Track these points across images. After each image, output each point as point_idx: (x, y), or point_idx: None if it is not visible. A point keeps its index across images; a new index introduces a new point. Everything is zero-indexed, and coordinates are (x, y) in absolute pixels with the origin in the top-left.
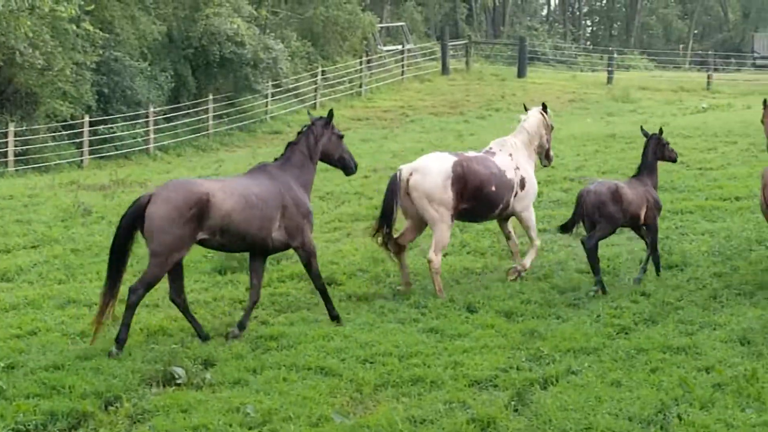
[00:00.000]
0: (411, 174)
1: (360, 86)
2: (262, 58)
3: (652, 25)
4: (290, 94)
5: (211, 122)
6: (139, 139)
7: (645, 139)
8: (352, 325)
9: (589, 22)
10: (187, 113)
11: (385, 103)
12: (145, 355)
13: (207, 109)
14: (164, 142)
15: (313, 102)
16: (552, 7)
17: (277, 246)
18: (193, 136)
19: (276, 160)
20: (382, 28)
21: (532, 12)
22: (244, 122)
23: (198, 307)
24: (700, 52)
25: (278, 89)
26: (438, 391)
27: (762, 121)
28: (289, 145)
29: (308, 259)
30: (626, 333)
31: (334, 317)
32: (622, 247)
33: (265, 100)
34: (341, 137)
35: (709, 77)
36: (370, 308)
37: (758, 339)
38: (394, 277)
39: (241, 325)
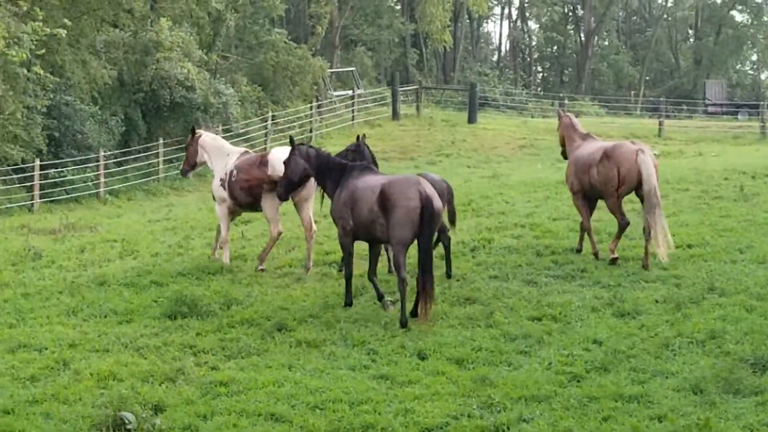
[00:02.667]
0: None
1: (310, 131)
2: (212, 103)
3: (603, 71)
4: (240, 138)
5: (161, 166)
6: (90, 183)
7: None
8: (302, 372)
9: (539, 68)
10: (138, 157)
11: (336, 148)
12: (95, 401)
13: (157, 153)
14: (115, 186)
15: (263, 147)
16: (503, 53)
17: None
18: (143, 180)
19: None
20: (332, 73)
21: (483, 58)
22: None
23: (148, 352)
24: (651, 98)
25: (228, 134)
26: None
27: (558, 131)
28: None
29: None
30: (578, 381)
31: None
32: (574, 294)
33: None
34: None
35: (660, 124)
36: (321, 354)
37: (711, 388)
38: (345, 323)
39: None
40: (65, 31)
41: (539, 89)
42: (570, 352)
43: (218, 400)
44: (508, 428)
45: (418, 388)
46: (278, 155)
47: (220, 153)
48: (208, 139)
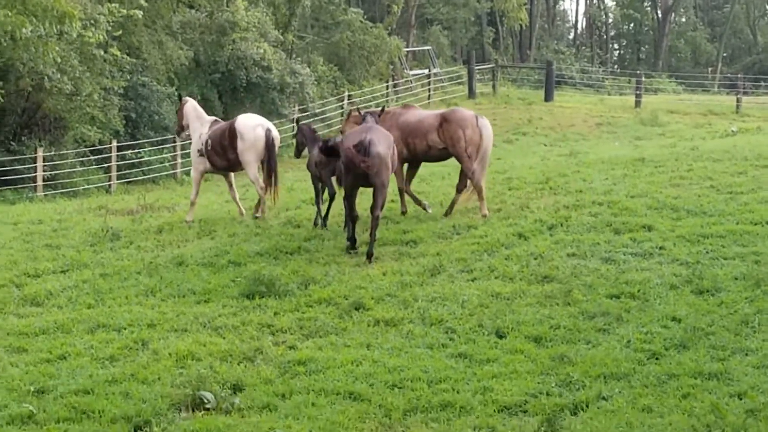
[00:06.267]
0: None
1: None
2: (288, 83)
3: (681, 48)
4: (317, 118)
5: None
6: (167, 164)
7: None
8: (380, 350)
9: (616, 46)
10: None
11: None
12: (174, 380)
13: None
14: (191, 167)
15: (339, 126)
16: (579, 31)
17: None
18: None
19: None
20: (408, 52)
21: (559, 35)
22: None
23: (226, 332)
24: (729, 75)
25: (305, 113)
26: (467, 417)
27: (341, 132)
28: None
29: None
30: (657, 358)
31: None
32: (652, 272)
33: (291, 125)
34: None
35: (738, 100)
36: (398, 333)
37: None
38: (422, 302)
39: None
40: (141, 12)
41: (616, 67)
42: (649, 329)
43: (296, 379)
44: (587, 406)
45: (496, 366)
46: (244, 121)
47: (198, 121)
48: (190, 107)
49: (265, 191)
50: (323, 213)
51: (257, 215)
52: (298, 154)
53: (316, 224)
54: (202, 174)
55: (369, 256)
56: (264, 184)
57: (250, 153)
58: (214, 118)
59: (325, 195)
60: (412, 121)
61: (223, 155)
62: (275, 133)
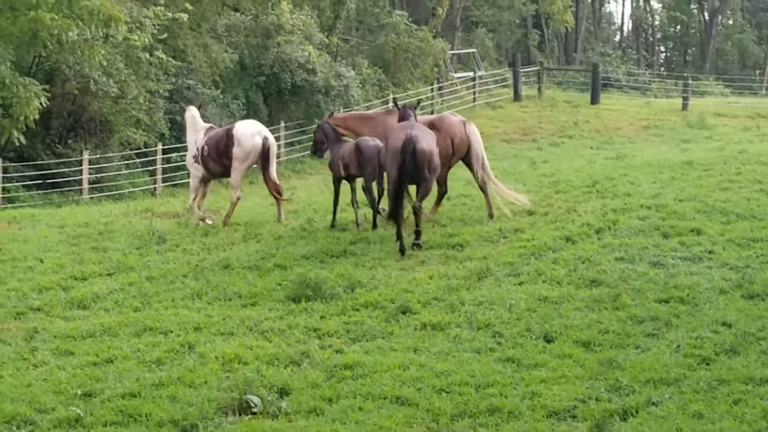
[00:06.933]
0: None
1: (431, 113)
2: (333, 86)
3: (728, 50)
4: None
5: (283, 149)
6: None
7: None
8: (428, 355)
9: (662, 48)
10: None
11: None
12: (221, 384)
13: (279, 136)
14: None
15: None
16: (625, 33)
17: None
18: None
19: None
20: (453, 54)
21: (605, 38)
22: None
23: (272, 335)
24: None
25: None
26: (516, 422)
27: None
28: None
29: None
30: (707, 363)
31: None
32: (702, 276)
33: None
34: None
35: None
36: (446, 337)
37: None
38: (469, 305)
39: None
40: (187, 16)
41: (662, 69)
42: (698, 334)
43: (343, 383)
44: (637, 411)
45: (544, 371)
46: (242, 128)
47: (193, 129)
48: (188, 115)
49: (279, 198)
50: (372, 213)
51: (210, 221)
52: (316, 152)
53: (333, 226)
54: (201, 181)
55: (418, 244)
56: (274, 192)
57: (242, 159)
58: (209, 125)
59: (361, 197)
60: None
61: (218, 161)
62: (272, 140)
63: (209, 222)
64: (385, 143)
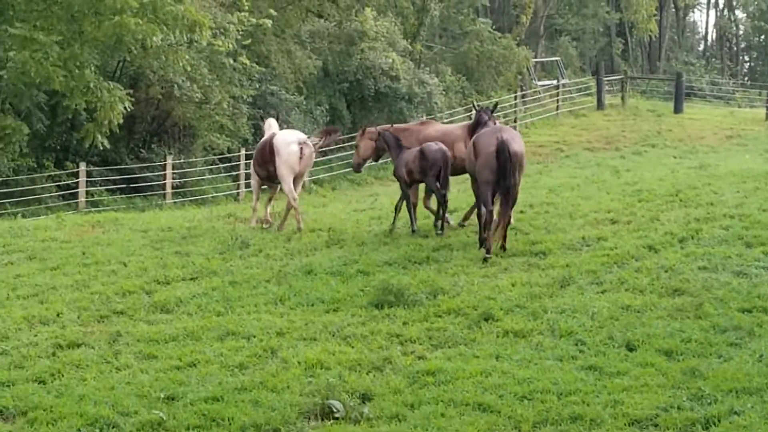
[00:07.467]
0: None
1: (515, 121)
2: (416, 93)
3: None
4: None
5: None
6: None
7: None
8: (510, 362)
9: (746, 58)
10: (342, 147)
11: (540, 138)
12: (303, 389)
13: None
14: (319, 176)
15: None
16: (709, 43)
17: None
18: (347, 170)
19: None
20: (536, 62)
21: (689, 47)
22: None
23: (354, 341)
24: None
25: None
26: (597, 430)
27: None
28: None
29: None
30: None
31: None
32: None
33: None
34: None
35: None
36: (528, 344)
37: None
38: (552, 313)
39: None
40: (270, 22)
41: (746, 79)
42: None
43: (425, 389)
44: (719, 421)
45: (626, 379)
46: (281, 138)
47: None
48: (266, 125)
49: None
50: (438, 218)
51: (266, 226)
52: (376, 158)
53: (414, 231)
54: (260, 183)
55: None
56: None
57: (284, 168)
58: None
59: (413, 201)
60: (434, 135)
61: (263, 167)
62: (309, 151)
63: (265, 226)
64: (470, 149)
